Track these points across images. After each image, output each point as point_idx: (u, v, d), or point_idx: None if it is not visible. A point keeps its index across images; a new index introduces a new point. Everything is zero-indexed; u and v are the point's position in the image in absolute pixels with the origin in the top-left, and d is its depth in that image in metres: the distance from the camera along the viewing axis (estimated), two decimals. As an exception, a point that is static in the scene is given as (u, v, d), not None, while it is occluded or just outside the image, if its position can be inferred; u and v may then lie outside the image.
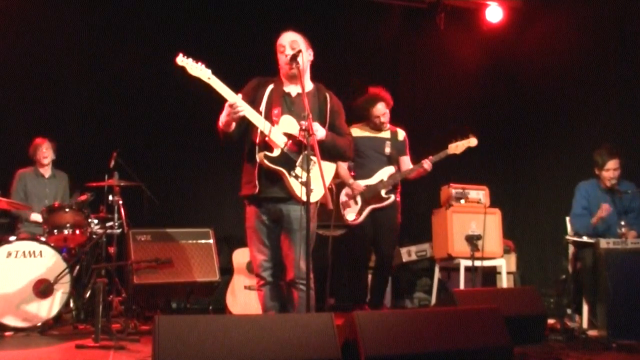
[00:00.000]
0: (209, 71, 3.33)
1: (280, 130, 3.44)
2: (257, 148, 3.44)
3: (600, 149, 5.05)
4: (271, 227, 3.53)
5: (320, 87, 3.66)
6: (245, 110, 3.33)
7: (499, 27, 7.32)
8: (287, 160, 3.43)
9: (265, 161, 3.38)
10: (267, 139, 3.40)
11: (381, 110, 5.17)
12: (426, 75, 7.36)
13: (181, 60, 3.31)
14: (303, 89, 3.36)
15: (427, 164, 5.12)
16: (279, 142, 3.41)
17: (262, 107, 3.49)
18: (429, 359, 3.02)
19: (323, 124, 3.54)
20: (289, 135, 3.45)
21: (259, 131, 3.42)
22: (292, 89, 3.56)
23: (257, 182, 3.44)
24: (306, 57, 3.52)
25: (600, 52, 6.25)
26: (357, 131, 5.19)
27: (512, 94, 7.39)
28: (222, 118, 3.38)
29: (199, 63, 3.32)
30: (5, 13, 5.95)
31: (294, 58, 3.40)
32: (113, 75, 6.20)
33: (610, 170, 4.97)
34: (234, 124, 3.40)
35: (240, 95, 3.35)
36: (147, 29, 6.38)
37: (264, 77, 3.63)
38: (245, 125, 3.46)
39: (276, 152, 3.41)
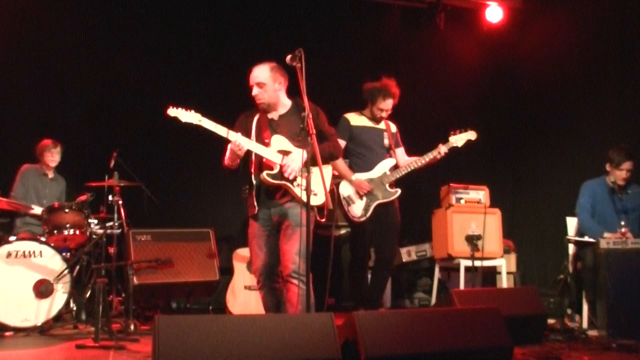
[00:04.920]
0: (199, 115, 3.59)
1: (274, 150, 3.71)
2: (253, 175, 3.75)
3: (618, 148, 5.02)
4: (269, 234, 3.75)
5: (297, 101, 3.77)
6: (243, 142, 3.60)
7: (499, 27, 7.32)
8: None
9: (268, 179, 3.65)
10: (264, 160, 3.69)
11: (389, 105, 5.03)
12: (426, 75, 7.35)
13: (172, 111, 3.57)
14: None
15: (443, 149, 4.99)
16: (276, 159, 3.68)
17: (253, 135, 3.77)
18: (429, 359, 3.03)
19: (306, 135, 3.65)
20: (283, 152, 3.71)
21: (253, 156, 3.72)
22: (274, 114, 3.85)
23: (255, 203, 3.73)
24: (271, 91, 3.75)
25: (600, 52, 6.24)
26: (355, 119, 5.08)
27: (512, 94, 7.39)
28: (228, 158, 3.69)
29: (190, 110, 3.57)
30: (7, 14, 5.95)
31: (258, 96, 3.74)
32: (113, 76, 6.20)
33: (624, 170, 4.97)
34: (238, 160, 3.70)
35: (239, 133, 3.63)
36: (148, 29, 6.38)
37: (248, 111, 3.89)
38: (245, 157, 3.72)
39: (276, 169, 3.68)
